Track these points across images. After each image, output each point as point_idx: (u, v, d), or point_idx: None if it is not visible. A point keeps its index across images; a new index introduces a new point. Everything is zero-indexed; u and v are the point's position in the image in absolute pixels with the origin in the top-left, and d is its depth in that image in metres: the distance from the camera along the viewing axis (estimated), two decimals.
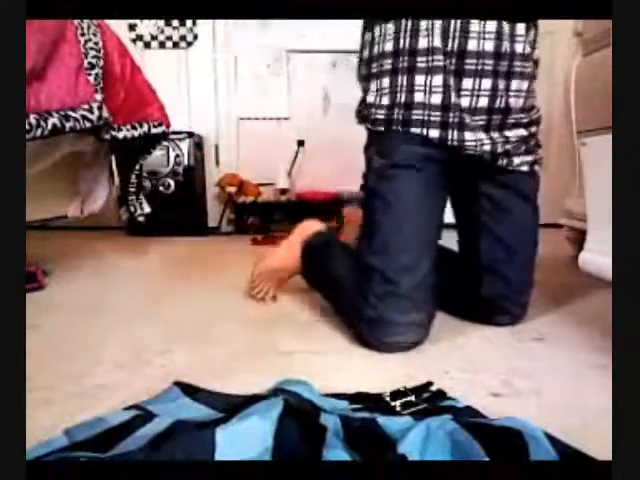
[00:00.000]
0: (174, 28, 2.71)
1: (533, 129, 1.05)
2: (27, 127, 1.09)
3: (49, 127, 1.14)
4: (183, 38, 2.71)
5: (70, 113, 1.20)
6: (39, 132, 1.12)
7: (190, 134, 2.60)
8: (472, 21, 0.93)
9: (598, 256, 0.90)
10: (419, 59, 0.93)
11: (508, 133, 0.98)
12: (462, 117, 0.93)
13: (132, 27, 2.70)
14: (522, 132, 1.01)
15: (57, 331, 1.03)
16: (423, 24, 0.94)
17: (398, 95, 0.95)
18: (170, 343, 0.95)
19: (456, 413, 0.61)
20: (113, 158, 1.64)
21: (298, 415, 0.56)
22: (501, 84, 0.95)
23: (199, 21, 2.68)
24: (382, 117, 0.96)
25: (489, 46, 0.93)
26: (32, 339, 0.96)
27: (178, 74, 2.76)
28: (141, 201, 1.68)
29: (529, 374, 0.82)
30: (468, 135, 0.94)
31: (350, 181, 2.84)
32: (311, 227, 1.25)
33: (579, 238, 1.66)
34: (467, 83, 0.93)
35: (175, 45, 2.72)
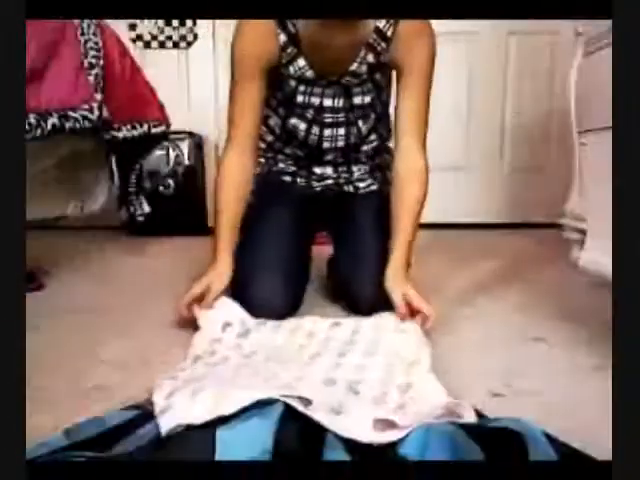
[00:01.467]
0: (174, 28, 2.71)
1: (376, 160, 1.25)
2: (27, 127, 1.09)
3: (49, 127, 1.14)
4: (183, 38, 2.71)
5: (70, 113, 1.20)
6: (39, 132, 1.12)
7: (190, 134, 2.60)
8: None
9: (598, 256, 0.89)
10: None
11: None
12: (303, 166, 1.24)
13: (132, 27, 2.69)
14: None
15: (57, 331, 1.03)
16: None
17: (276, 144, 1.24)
18: (170, 343, 0.95)
19: None
20: (113, 158, 1.64)
21: (298, 416, 0.56)
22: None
23: (199, 21, 2.68)
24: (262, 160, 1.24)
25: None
26: (32, 339, 0.96)
27: (178, 74, 2.75)
28: (141, 201, 1.68)
29: (529, 374, 0.82)
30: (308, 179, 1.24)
31: None
32: None
33: (579, 238, 1.66)
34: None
35: (175, 45, 2.72)
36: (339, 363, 0.78)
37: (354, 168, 1.23)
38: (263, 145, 1.22)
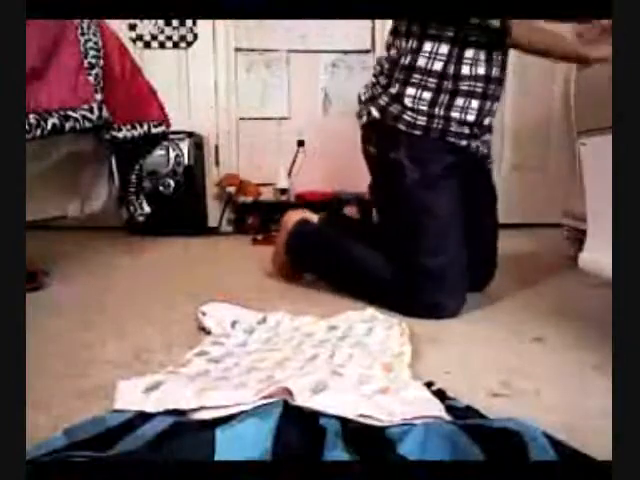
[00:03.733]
0: (174, 28, 2.71)
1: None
2: (27, 127, 1.09)
3: (49, 127, 1.14)
4: (183, 38, 2.71)
5: (70, 113, 1.20)
6: (39, 132, 1.12)
7: (190, 134, 2.60)
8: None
9: (598, 256, 0.89)
10: (462, 83, 1.08)
11: (486, 137, 1.21)
12: (475, 130, 1.14)
13: (132, 27, 2.70)
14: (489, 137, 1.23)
15: (57, 331, 1.03)
16: (469, 53, 1.06)
17: (437, 109, 1.08)
18: (170, 343, 0.95)
19: (456, 413, 0.61)
20: (113, 158, 1.64)
21: (298, 416, 0.56)
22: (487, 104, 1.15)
23: (199, 21, 2.68)
24: (422, 123, 1.07)
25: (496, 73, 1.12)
26: (32, 339, 0.96)
27: (178, 74, 2.76)
28: (141, 201, 1.68)
29: (529, 374, 0.82)
30: (476, 143, 1.16)
31: (349, 181, 2.85)
32: (294, 216, 1.42)
33: (579, 238, 1.66)
34: (475, 104, 1.11)
35: (175, 45, 2.72)
36: (329, 362, 0.78)
37: (489, 136, 1.22)
38: (427, 95, 1.08)
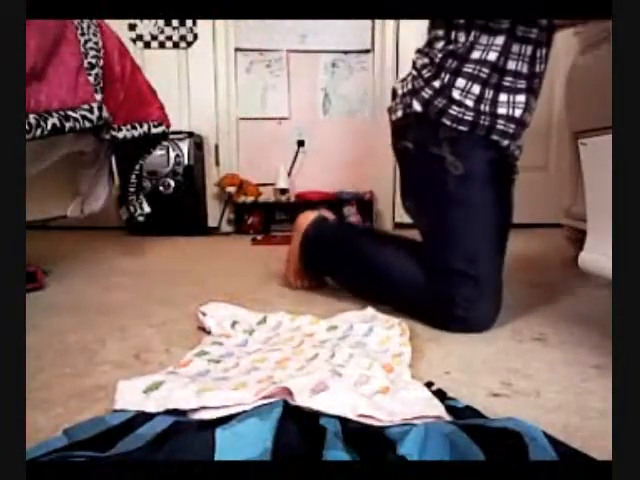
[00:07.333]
0: (174, 28, 2.71)
1: None
2: (27, 127, 1.09)
3: (49, 127, 1.14)
4: (183, 38, 2.72)
5: (70, 113, 1.20)
6: (39, 132, 1.12)
7: (190, 134, 2.60)
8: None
9: (598, 256, 0.89)
10: (505, 78, 1.02)
11: (521, 141, 1.12)
12: (519, 128, 1.06)
13: (132, 27, 2.70)
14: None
15: (57, 331, 1.03)
16: (515, 48, 1.01)
17: (482, 105, 1.02)
18: (170, 343, 0.95)
19: (456, 413, 0.61)
20: (113, 158, 1.64)
21: (298, 416, 0.57)
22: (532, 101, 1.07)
23: (199, 21, 2.68)
24: (469, 119, 1.01)
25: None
26: (32, 339, 0.96)
27: (178, 74, 2.76)
28: (141, 201, 1.68)
29: (529, 374, 0.82)
30: (516, 144, 1.08)
31: (349, 181, 2.85)
32: (307, 218, 1.33)
33: (579, 238, 1.66)
34: (521, 98, 1.05)
35: (175, 45, 2.73)
36: (329, 362, 0.79)
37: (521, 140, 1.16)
38: (476, 89, 1.02)
